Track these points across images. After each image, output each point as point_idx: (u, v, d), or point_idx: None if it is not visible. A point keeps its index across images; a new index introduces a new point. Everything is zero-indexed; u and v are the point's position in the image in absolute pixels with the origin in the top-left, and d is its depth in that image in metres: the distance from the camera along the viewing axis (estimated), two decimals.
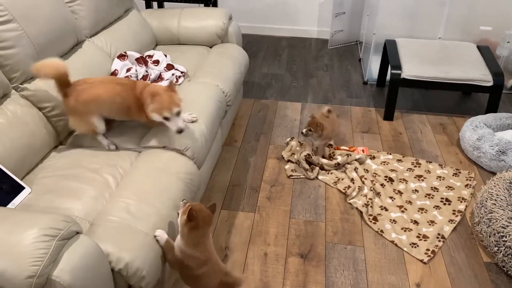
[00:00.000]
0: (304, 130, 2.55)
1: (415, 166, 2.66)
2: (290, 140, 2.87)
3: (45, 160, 1.89)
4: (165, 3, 4.14)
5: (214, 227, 2.23)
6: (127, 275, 1.42)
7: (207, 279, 1.60)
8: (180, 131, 1.81)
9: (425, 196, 2.43)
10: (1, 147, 1.69)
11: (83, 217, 1.57)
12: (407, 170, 2.63)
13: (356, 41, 4.53)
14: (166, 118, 1.80)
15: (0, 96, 1.81)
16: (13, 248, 1.17)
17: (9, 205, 1.59)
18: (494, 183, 2.22)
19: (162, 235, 1.56)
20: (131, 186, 1.69)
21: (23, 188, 1.66)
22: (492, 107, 3.03)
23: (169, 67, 2.60)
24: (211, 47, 2.96)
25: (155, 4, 4.39)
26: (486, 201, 2.15)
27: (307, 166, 2.58)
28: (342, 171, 2.61)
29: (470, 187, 2.49)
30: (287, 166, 2.66)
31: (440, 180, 2.55)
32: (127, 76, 2.42)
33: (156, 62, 2.60)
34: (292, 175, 2.58)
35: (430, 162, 2.70)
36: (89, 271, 1.28)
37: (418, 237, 2.17)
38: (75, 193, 1.66)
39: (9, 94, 1.87)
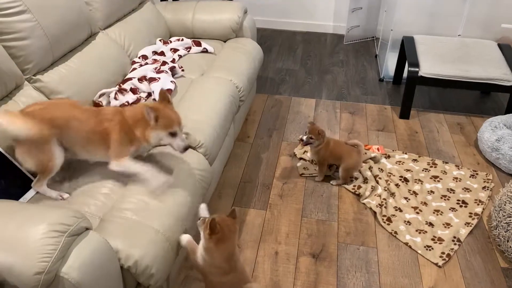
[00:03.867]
0: (304, 137, 2.34)
1: (431, 167, 2.60)
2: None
3: None
4: None
5: None
6: (136, 272, 1.40)
7: (230, 286, 1.55)
8: (186, 148, 1.63)
9: (441, 198, 2.37)
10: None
11: (93, 212, 1.56)
12: (422, 170, 2.57)
13: (373, 37, 4.45)
14: (173, 134, 1.61)
15: (12, 87, 1.80)
16: (22, 243, 1.16)
17: (21, 199, 1.58)
18: None
19: (185, 237, 1.56)
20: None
21: None
22: None
23: (197, 43, 2.75)
24: (225, 41, 2.93)
25: None
26: (504, 205, 2.09)
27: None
28: None
29: (487, 189, 2.43)
30: (299, 164, 2.62)
31: (456, 181, 2.49)
32: (155, 59, 2.49)
33: (174, 50, 2.68)
34: (303, 173, 2.54)
35: (447, 162, 2.64)
36: (98, 268, 1.26)
37: (433, 239, 2.12)
38: (86, 188, 1.64)
39: (22, 86, 1.85)
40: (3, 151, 1.60)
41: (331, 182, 2.47)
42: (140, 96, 2.19)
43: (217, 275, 1.52)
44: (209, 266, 1.52)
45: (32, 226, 1.19)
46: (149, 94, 2.22)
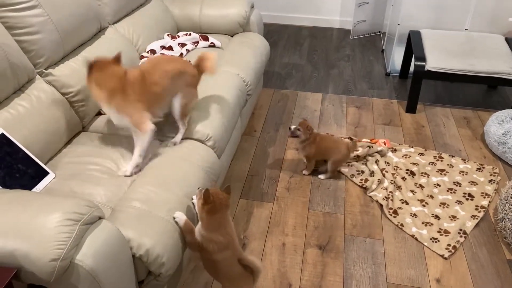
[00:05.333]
0: (292, 127, 2.36)
1: (437, 160, 2.61)
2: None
3: (68, 146, 1.92)
4: None
5: (232, 216, 2.23)
6: (148, 261, 1.43)
7: (226, 265, 1.58)
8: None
9: (447, 191, 2.39)
10: (26, 131, 1.72)
11: (105, 202, 1.59)
12: (429, 164, 2.58)
13: (379, 32, 4.45)
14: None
15: (25, 81, 1.83)
16: (38, 231, 1.19)
17: (34, 189, 1.62)
18: None
19: (181, 216, 1.56)
20: (153, 174, 1.69)
21: (47, 173, 1.68)
22: None
23: (204, 37, 2.78)
24: (232, 36, 2.95)
25: None
26: (511, 198, 2.10)
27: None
28: (363, 163, 2.58)
29: (494, 182, 2.44)
30: None
31: (463, 175, 2.50)
32: (162, 54, 2.55)
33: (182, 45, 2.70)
34: None
35: (453, 156, 2.65)
36: (111, 256, 1.29)
37: (439, 232, 2.14)
38: (97, 179, 1.68)
39: (34, 79, 1.89)
40: (18, 143, 1.64)
41: (319, 176, 2.49)
42: None
43: (214, 252, 1.55)
44: (206, 242, 1.55)
45: (47, 214, 1.22)
46: None
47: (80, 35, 2.11)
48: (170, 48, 2.62)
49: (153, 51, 2.54)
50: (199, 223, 1.57)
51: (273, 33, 4.42)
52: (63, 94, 1.96)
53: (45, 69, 1.94)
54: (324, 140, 2.42)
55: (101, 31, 2.32)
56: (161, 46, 2.61)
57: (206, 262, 1.63)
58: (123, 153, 1.83)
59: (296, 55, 3.98)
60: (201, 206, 1.54)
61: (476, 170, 2.53)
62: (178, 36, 2.77)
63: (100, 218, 1.34)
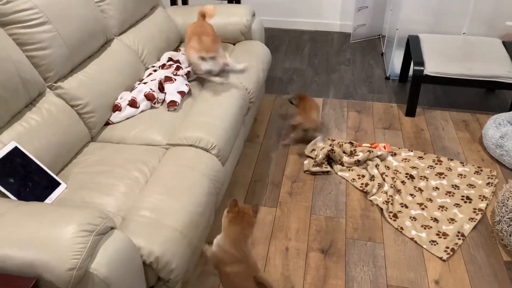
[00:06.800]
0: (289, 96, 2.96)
1: (436, 164, 2.67)
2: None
3: (78, 156, 1.99)
4: (190, 0, 4.20)
5: None
6: (158, 268, 1.50)
7: (239, 278, 1.62)
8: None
9: (446, 194, 2.45)
10: (38, 144, 1.79)
11: (115, 212, 1.66)
12: (428, 167, 2.64)
13: (379, 35, 4.51)
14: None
15: (35, 95, 1.90)
16: (55, 242, 1.26)
17: (47, 200, 1.69)
18: None
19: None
20: (160, 183, 1.76)
21: (59, 183, 1.75)
22: None
23: None
24: (234, 44, 3.01)
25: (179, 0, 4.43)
26: (507, 200, 2.16)
27: (321, 160, 2.63)
28: (363, 168, 2.64)
29: (491, 185, 2.50)
30: (306, 162, 2.70)
31: (461, 178, 2.56)
32: (165, 65, 2.60)
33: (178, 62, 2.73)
34: (308, 170, 2.63)
35: (452, 159, 2.71)
36: (123, 264, 1.36)
37: (437, 234, 2.20)
38: (107, 189, 1.74)
39: (44, 93, 1.96)
40: (30, 156, 1.71)
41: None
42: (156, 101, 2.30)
43: (226, 264, 1.61)
44: (221, 251, 1.62)
45: (63, 226, 1.29)
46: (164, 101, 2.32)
47: (88, 48, 2.18)
48: (177, 61, 2.68)
49: (163, 65, 2.59)
50: (221, 233, 1.66)
51: (274, 38, 4.49)
52: (72, 106, 2.03)
53: (54, 83, 2.00)
54: (305, 102, 2.88)
55: (107, 43, 2.39)
56: (168, 58, 2.67)
57: (220, 273, 1.68)
58: (130, 163, 1.90)
59: (297, 60, 4.04)
60: (225, 214, 1.65)
61: (474, 173, 2.59)
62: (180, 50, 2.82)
63: (112, 228, 1.41)
